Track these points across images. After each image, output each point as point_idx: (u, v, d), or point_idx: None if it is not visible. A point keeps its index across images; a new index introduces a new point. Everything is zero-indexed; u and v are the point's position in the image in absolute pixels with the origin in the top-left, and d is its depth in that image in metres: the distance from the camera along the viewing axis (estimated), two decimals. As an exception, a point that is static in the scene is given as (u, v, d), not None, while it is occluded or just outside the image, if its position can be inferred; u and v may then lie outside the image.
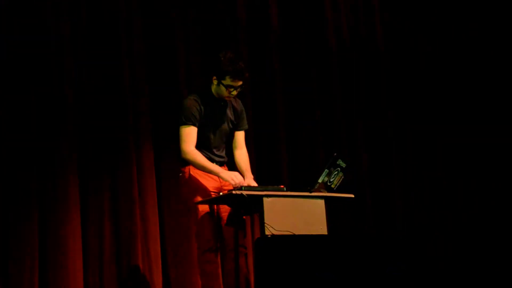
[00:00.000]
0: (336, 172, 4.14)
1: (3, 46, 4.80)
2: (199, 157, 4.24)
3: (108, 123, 5.10)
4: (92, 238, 4.93)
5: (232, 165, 4.50)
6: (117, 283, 4.96)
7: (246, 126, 4.55)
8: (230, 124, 4.45)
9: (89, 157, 5.00)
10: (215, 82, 4.30)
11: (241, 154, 4.47)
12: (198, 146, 4.30)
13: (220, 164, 4.37)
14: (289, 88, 5.84)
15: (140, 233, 5.06)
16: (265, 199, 3.94)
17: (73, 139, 4.93)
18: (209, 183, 4.30)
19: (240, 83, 4.28)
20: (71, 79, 4.97)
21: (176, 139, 5.08)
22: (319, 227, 4.05)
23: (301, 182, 4.77)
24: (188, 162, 4.31)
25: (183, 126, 4.29)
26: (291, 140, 5.83)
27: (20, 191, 4.74)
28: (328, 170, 4.13)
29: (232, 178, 4.17)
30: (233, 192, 3.94)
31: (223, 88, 4.28)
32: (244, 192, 3.91)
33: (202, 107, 4.31)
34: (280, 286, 3.85)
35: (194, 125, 4.28)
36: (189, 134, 4.27)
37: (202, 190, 4.29)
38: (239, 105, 4.51)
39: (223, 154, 4.45)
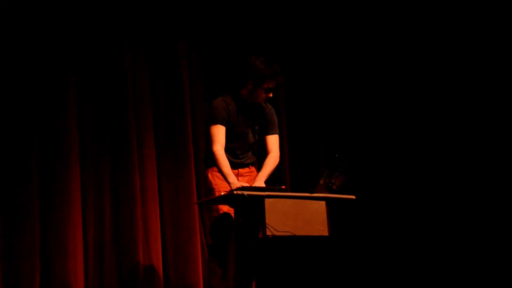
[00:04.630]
0: (337, 173, 4.13)
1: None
2: (221, 161, 4.24)
3: (111, 124, 5.11)
4: (93, 237, 4.95)
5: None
6: (117, 282, 4.98)
7: (277, 131, 4.53)
8: (258, 128, 4.46)
9: (91, 157, 5.02)
10: (250, 86, 4.31)
11: (268, 159, 4.44)
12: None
13: (242, 166, 4.39)
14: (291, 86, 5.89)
15: (141, 232, 5.08)
16: (266, 199, 3.91)
17: (75, 138, 4.95)
18: (227, 184, 4.29)
19: (274, 85, 4.32)
20: (74, 79, 5.02)
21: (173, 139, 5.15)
22: (320, 228, 4.03)
23: (302, 182, 4.78)
24: (210, 163, 4.35)
25: (210, 125, 4.34)
26: (293, 140, 5.86)
27: (21, 190, 4.76)
28: (329, 171, 4.12)
29: (236, 185, 4.12)
30: (234, 192, 3.93)
31: (260, 91, 4.30)
32: (245, 192, 3.88)
33: (229, 108, 4.34)
34: (281, 287, 3.86)
35: (221, 124, 4.31)
36: (216, 134, 4.30)
37: (218, 191, 4.30)
38: (269, 110, 4.51)
39: (247, 156, 4.46)
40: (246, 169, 4.45)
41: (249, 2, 5.90)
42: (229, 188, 4.16)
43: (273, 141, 4.49)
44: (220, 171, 4.25)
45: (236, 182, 4.17)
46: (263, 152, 4.51)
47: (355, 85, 6.14)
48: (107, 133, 5.11)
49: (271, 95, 4.36)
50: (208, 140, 4.36)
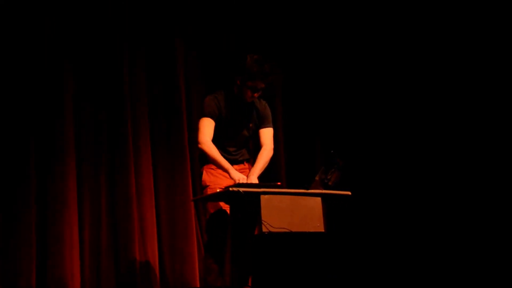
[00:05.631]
0: (333, 170, 4.13)
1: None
2: (213, 150, 4.26)
3: (107, 121, 5.13)
4: (89, 236, 4.96)
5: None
6: (114, 279, 4.99)
7: (270, 125, 4.50)
8: (252, 125, 4.46)
9: (87, 156, 5.03)
10: (238, 83, 4.31)
11: (261, 152, 4.43)
12: (213, 142, 4.32)
13: (236, 163, 4.39)
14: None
15: (137, 231, 5.09)
16: (262, 196, 3.90)
17: (72, 139, 4.97)
18: (224, 181, 4.30)
19: (263, 85, 4.29)
20: (72, 78, 5.03)
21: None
22: (316, 224, 4.02)
23: (298, 179, 4.78)
24: (205, 161, 4.35)
25: (201, 118, 4.35)
26: (289, 137, 5.87)
27: (19, 190, 4.77)
28: (325, 167, 4.12)
29: (239, 179, 4.16)
30: (230, 189, 3.91)
31: (246, 89, 4.29)
32: (241, 189, 3.88)
33: (221, 104, 4.35)
34: (277, 283, 3.85)
35: (211, 118, 4.32)
36: (206, 126, 4.31)
37: (214, 188, 4.30)
38: (263, 105, 4.51)
39: (240, 153, 4.46)
40: (241, 166, 4.44)
41: (249, 2, 5.91)
42: (225, 185, 4.16)
43: (266, 134, 4.48)
44: (213, 159, 4.25)
45: (231, 167, 4.19)
46: (260, 149, 4.50)
47: (351, 82, 6.15)
48: (104, 133, 5.13)
49: (256, 95, 4.33)
50: (197, 131, 4.36)
